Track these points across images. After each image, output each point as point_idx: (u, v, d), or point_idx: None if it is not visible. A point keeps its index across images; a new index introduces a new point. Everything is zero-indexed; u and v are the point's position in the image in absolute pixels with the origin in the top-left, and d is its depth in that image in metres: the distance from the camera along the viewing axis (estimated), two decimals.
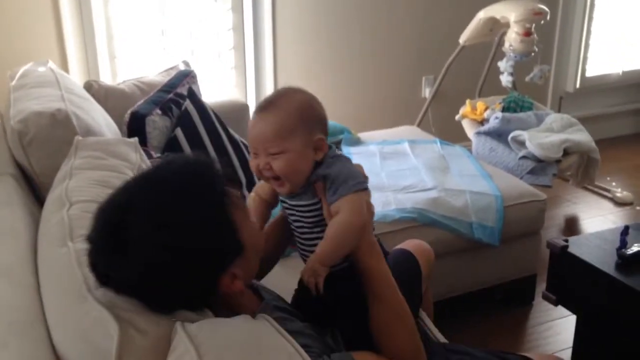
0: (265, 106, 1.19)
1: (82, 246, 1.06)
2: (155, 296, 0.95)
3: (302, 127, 1.17)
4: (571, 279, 1.95)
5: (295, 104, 1.18)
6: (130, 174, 1.44)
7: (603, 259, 1.87)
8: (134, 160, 1.53)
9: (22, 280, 1.13)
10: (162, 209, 0.94)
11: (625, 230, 1.94)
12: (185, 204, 0.95)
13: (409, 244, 1.73)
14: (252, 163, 1.19)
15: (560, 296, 1.99)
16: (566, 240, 1.97)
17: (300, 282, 1.25)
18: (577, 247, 1.94)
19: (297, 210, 1.22)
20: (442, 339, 1.62)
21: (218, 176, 1.02)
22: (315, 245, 1.18)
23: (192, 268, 0.95)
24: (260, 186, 1.29)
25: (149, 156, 1.84)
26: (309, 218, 1.21)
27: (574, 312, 2.03)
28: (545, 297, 2.03)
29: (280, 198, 1.26)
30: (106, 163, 1.45)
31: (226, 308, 1.05)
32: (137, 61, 3.01)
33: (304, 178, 1.18)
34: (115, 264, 0.93)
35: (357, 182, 1.17)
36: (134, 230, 0.92)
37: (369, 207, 1.21)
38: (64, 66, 2.80)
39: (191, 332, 0.88)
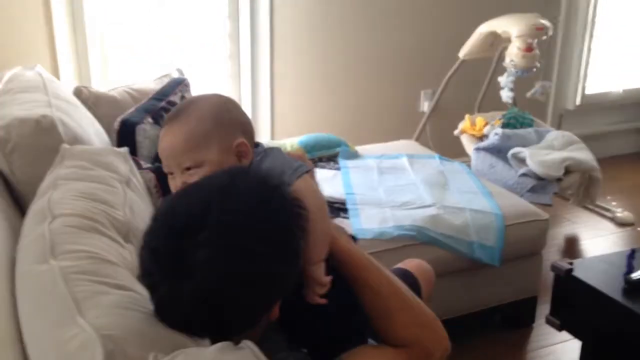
0: (173, 116, 1.06)
1: (68, 263, 1.00)
2: (205, 324, 0.88)
3: (217, 132, 1.03)
4: (576, 304, 1.89)
5: (207, 108, 1.05)
6: (118, 186, 1.38)
7: (609, 284, 1.81)
8: (123, 171, 1.47)
9: None
10: (237, 231, 0.85)
11: (632, 254, 1.88)
12: (262, 228, 0.87)
13: (409, 264, 1.67)
14: (171, 185, 1.05)
15: (564, 321, 1.92)
16: (571, 264, 1.90)
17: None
18: (583, 270, 1.88)
19: None
20: None
21: (290, 203, 0.92)
22: None
23: (258, 295, 0.88)
24: None
25: (138, 166, 1.76)
26: None
27: (578, 337, 1.96)
28: (548, 322, 1.96)
29: None
30: (93, 174, 1.38)
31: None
32: (130, 68, 2.93)
33: None
34: (178, 283, 0.85)
35: (294, 169, 1.02)
36: (205, 250, 0.83)
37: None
38: (55, 72, 2.72)
39: None
